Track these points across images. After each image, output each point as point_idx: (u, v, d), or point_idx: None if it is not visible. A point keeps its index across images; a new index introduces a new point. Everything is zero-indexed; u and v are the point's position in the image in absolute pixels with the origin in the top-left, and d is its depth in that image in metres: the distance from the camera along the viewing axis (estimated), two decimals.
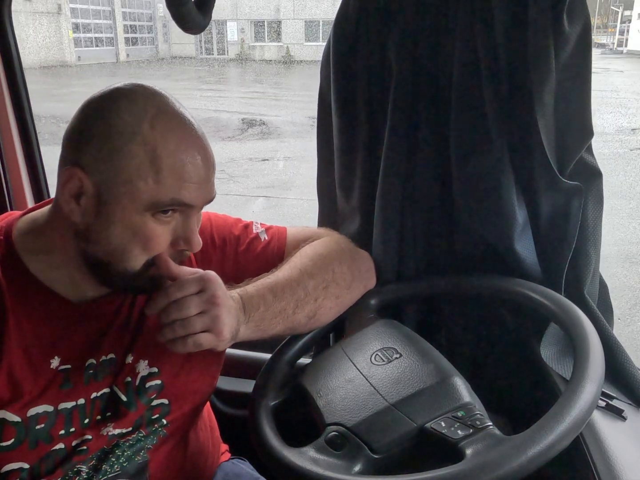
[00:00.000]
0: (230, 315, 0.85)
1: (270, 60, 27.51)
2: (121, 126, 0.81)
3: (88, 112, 0.84)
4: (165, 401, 0.95)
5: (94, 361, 0.91)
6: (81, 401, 0.89)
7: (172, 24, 1.11)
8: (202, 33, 1.07)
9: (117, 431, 0.92)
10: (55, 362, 0.88)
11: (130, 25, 27.93)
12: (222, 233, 1.05)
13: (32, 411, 0.86)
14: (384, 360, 0.86)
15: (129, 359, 0.93)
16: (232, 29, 28.79)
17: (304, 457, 0.72)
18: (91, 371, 0.90)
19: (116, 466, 0.91)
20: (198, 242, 0.87)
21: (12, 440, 0.85)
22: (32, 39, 18.90)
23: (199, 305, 0.82)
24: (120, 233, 0.83)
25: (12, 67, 1.53)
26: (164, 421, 0.96)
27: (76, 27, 23.44)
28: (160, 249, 0.84)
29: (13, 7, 1.50)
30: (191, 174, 0.82)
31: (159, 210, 0.82)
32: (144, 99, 0.83)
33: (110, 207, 0.82)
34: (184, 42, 28.54)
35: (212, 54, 29.87)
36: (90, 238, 0.85)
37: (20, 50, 1.56)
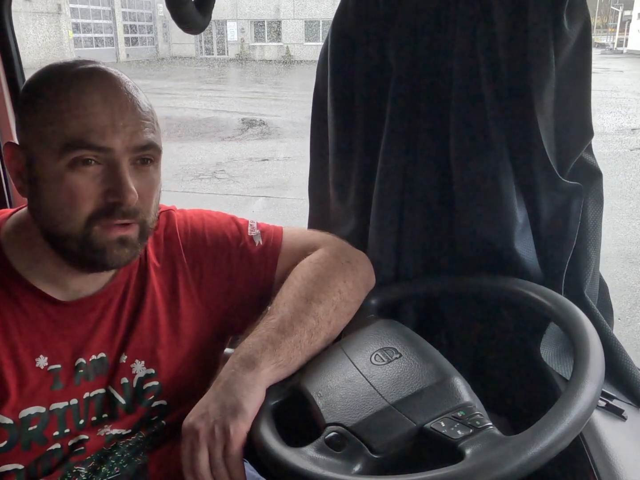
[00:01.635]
0: (241, 407, 0.80)
1: (270, 60, 27.53)
2: (34, 87, 0.85)
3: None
4: (164, 402, 0.95)
5: (84, 361, 0.90)
6: (74, 401, 0.89)
7: (172, 24, 1.11)
8: (202, 33, 1.07)
9: (114, 432, 0.92)
10: (41, 361, 0.88)
11: (130, 25, 27.95)
12: (215, 235, 1.03)
13: (24, 412, 0.86)
14: (383, 360, 0.86)
15: (123, 359, 0.93)
16: (232, 29, 28.81)
17: (304, 457, 0.72)
18: (81, 371, 0.90)
19: (116, 468, 0.91)
20: (128, 192, 0.81)
21: (5, 442, 0.85)
22: (32, 39, 18.89)
23: (213, 461, 0.78)
24: (48, 192, 0.82)
25: (12, 67, 1.53)
26: (163, 422, 0.96)
27: (76, 27, 23.46)
28: (86, 203, 0.81)
29: (13, 7, 1.50)
30: (99, 115, 0.80)
31: (77, 160, 0.80)
32: (63, 64, 0.86)
33: (35, 168, 0.83)
34: (184, 42, 28.57)
35: (212, 54, 29.90)
36: (35, 210, 0.86)
37: (20, 50, 1.55)
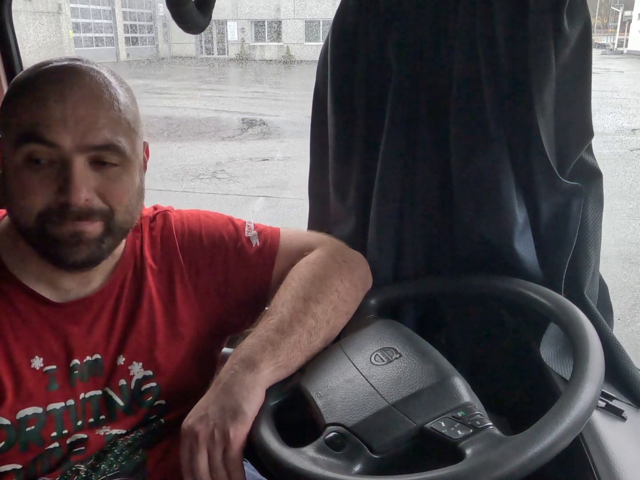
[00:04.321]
0: (240, 408, 0.79)
1: (271, 60, 27.52)
2: (13, 83, 0.86)
3: None
4: (163, 402, 0.95)
5: (78, 362, 0.91)
6: (70, 402, 0.89)
7: (173, 24, 1.11)
8: (203, 33, 1.07)
9: (114, 432, 0.92)
10: (36, 362, 0.88)
11: (131, 25, 27.94)
12: (211, 235, 1.02)
13: (21, 413, 0.86)
14: (383, 361, 0.86)
15: (120, 361, 0.93)
16: (233, 28, 28.80)
17: (304, 457, 0.72)
18: (76, 372, 0.90)
19: (115, 465, 0.91)
20: (75, 190, 0.80)
21: (3, 443, 0.85)
22: (32, 39, 18.87)
23: (212, 464, 0.78)
24: (9, 185, 0.83)
25: (13, 67, 1.53)
26: (162, 421, 0.96)
27: (76, 27, 23.44)
28: (37, 200, 0.81)
29: (13, 7, 1.50)
30: (51, 109, 0.79)
31: (30, 156, 0.80)
32: (43, 62, 0.86)
33: (3, 161, 0.85)
34: (184, 42, 28.55)
35: (213, 54, 29.89)
36: (4, 204, 0.87)
37: (21, 50, 1.55)
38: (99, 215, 0.84)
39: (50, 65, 0.84)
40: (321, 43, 1.21)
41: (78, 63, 0.85)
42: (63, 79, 0.82)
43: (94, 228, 0.84)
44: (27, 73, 0.85)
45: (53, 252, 0.84)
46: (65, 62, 0.85)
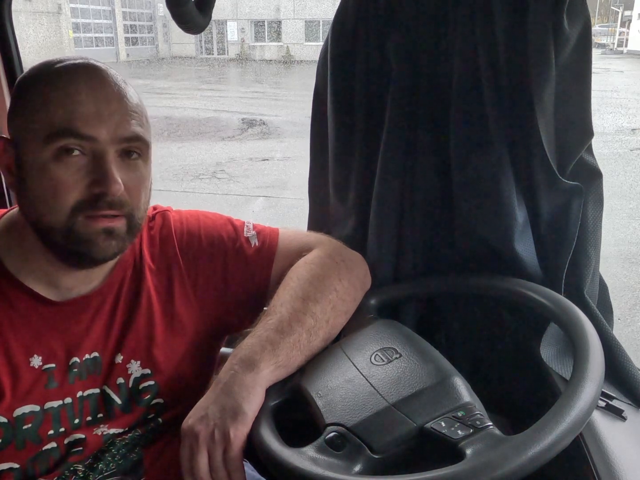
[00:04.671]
0: (241, 410, 0.79)
1: (271, 60, 27.51)
2: (24, 82, 0.86)
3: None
4: (161, 401, 0.96)
5: (78, 360, 0.91)
6: (68, 400, 0.90)
7: (172, 24, 1.12)
8: (203, 33, 1.08)
9: (112, 431, 0.92)
10: (35, 361, 0.88)
11: (131, 25, 27.93)
12: (210, 236, 1.03)
13: (19, 411, 0.86)
14: (383, 361, 0.86)
15: (119, 359, 0.93)
16: (232, 28, 28.79)
17: (304, 458, 0.72)
18: (75, 370, 0.90)
19: (112, 464, 0.92)
20: (113, 182, 0.81)
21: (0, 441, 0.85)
22: (32, 39, 18.86)
23: (213, 464, 0.78)
24: (33, 183, 0.83)
25: (13, 67, 1.53)
26: (160, 420, 0.96)
27: (76, 27, 23.43)
28: (70, 194, 0.81)
29: (13, 7, 1.50)
30: (85, 103, 0.81)
31: (61, 150, 0.80)
32: (52, 60, 0.87)
33: (22, 159, 0.84)
34: (184, 42, 28.55)
35: (212, 54, 29.88)
36: (22, 203, 0.86)
37: (21, 50, 1.55)
38: (126, 207, 0.85)
39: (68, 62, 0.85)
40: (321, 43, 1.21)
41: (92, 61, 0.87)
42: (89, 75, 0.84)
43: (120, 224, 0.86)
44: (42, 73, 0.85)
45: (83, 249, 0.84)
46: (80, 60, 0.86)
